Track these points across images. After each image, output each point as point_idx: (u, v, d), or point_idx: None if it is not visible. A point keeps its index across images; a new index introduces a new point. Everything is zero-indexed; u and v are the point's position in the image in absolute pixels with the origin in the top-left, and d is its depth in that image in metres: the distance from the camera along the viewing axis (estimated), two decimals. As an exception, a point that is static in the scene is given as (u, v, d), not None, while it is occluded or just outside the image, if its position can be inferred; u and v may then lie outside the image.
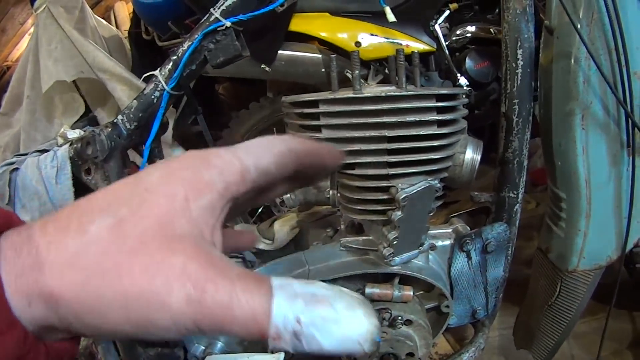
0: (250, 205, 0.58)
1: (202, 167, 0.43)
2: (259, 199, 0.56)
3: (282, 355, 1.15)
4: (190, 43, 1.14)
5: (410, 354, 1.13)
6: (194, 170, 0.42)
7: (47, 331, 0.39)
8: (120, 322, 0.38)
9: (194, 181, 0.42)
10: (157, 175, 0.42)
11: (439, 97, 0.97)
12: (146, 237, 0.38)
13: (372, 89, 0.96)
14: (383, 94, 0.92)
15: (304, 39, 2.25)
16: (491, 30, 2.34)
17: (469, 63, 2.25)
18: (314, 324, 0.39)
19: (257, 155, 0.46)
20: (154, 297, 0.37)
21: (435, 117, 0.96)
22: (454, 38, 2.31)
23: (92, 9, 3.04)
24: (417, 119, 0.94)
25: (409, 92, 0.93)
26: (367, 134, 0.94)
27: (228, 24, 1.11)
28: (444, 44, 2.24)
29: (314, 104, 0.96)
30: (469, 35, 2.32)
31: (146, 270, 0.37)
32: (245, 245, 0.63)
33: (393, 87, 0.98)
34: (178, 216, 0.40)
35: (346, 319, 0.39)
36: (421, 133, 0.95)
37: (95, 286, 0.37)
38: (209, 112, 2.76)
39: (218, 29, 1.12)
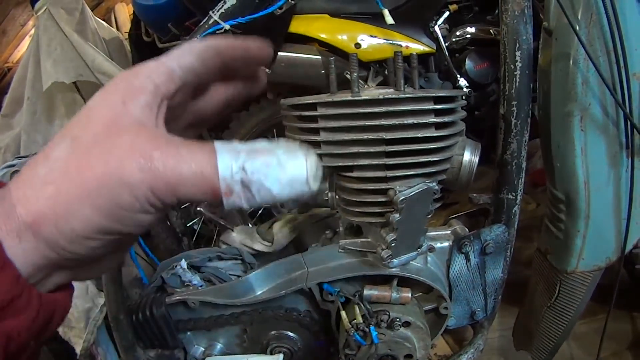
0: (192, 106, 0.61)
1: (132, 76, 0.48)
2: (200, 100, 0.61)
3: (280, 356, 1.16)
4: (189, 46, 1.14)
5: (409, 356, 1.13)
6: (126, 81, 0.48)
7: (39, 273, 0.43)
8: (93, 216, 0.42)
9: (127, 88, 0.47)
10: (97, 95, 0.47)
11: (437, 100, 0.97)
12: (98, 137, 0.43)
13: (370, 92, 0.96)
14: (381, 97, 0.92)
15: (303, 40, 2.25)
16: (491, 31, 2.33)
17: (468, 64, 2.24)
18: (259, 171, 0.42)
19: (179, 55, 0.52)
20: (112, 178, 0.41)
21: (433, 119, 0.96)
22: (453, 39, 2.30)
23: (92, 11, 3.04)
24: (415, 122, 0.94)
25: (407, 95, 0.93)
26: (365, 137, 0.94)
27: (227, 26, 1.11)
28: (444, 45, 2.24)
29: (312, 106, 0.96)
30: (468, 36, 2.31)
31: (101, 158, 0.42)
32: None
33: (391, 90, 0.98)
34: (120, 117, 0.44)
35: (288, 161, 0.43)
36: (419, 135, 0.95)
37: (63, 192, 0.41)
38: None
39: (217, 32, 1.12)
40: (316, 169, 0.43)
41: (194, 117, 0.61)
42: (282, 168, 0.43)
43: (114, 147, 0.42)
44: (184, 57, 0.52)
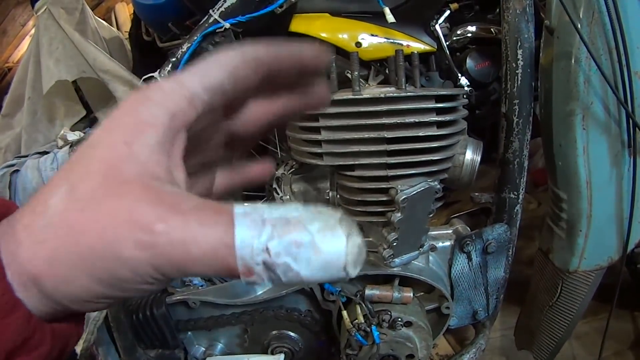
0: (221, 129, 0.50)
1: (140, 105, 0.39)
2: (233, 119, 0.49)
3: (281, 356, 1.15)
4: (189, 45, 1.14)
5: (411, 356, 1.13)
6: (134, 111, 0.39)
7: (47, 314, 0.39)
8: (91, 284, 0.37)
9: (134, 123, 0.39)
10: (99, 130, 0.40)
11: (439, 98, 0.97)
12: (95, 193, 0.36)
13: (371, 90, 0.96)
14: (382, 95, 0.92)
15: (304, 39, 2.25)
16: (492, 30, 2.32)
17: (469, 63, 2.23)
18: (287, 252, 0.34)
19: (204, 74, 0.42)
20: (108, 251, 0.36)
21: (434, 118, 0.95)
22: (454, 38, 2.29)
23: (92, 10, 3.04)
24: (417, 120, 0.93)
25: (408, 93, 0.93)
26: (366, 136, 0.94)
27: (227, 25, 1.10)
28: (445, 44, 2.23)
29: (313, 105, 0.96)
30: (469, 35, 2.30)
31: (97, 224, 0.35)
32: (259, 177, 0.55)
33: (392, 88, 0.98)
34: (123, 162, 0.37)
35: (324, 242, 0.34)
36: (420, 134, 0.94)
37: (60, 255, 0.36)
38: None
39: (217, 30, 1.12)
40: (358, 254, 0.34)
41: (228, 139, 0.51)
42: (316, 250, 0.34)
43: (110, 213, 0.36)
44: (210, 74, 0.42)
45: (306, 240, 0.34)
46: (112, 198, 0.36)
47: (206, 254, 0.35)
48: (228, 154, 0.53)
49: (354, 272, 0.34)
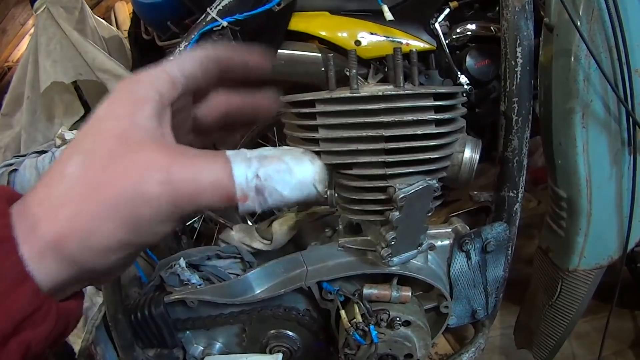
0: (190, 114, 0.61)
1: (135, 85, 0.49)
2: (199, 106, 0.61)
3: (280, 356, 1.15)
4: (187, 43, 1.14)
5: (409, 355, 1.12)
6: (130, 91, 0.48)
7: (58, 287, 0.43)
8: (115, 231, 0.43)
9: (132, 99, 0.47)
10: (103, 107, 0.48)
11: (437, 96, 0.96)
12: (113, 152, 0.44)
13: (369, 88, 0.95)
14: (380, 93, 0.91)
15: (303, 38, 2.25)
16: (491, 28, 2.33)
17: (469, 61, 2.24)
18: (271, 177, 0.46)
19: (180, 62, 0.53)
20: (132, 195, 0.42)
21: (433, 116, 0.94)
22: (454, 36, 2.30)
23: (92, 10, 3.04)
24: (415, 118, 0.93)
25: (406, 91, 0.92)
26: (364, 134, 0.93)
27: (225, 23, 1.10)
28: (444, 42, 2.24)
29: (311, 103, 0.95)
30: (469, 33, 2.31)
31: (120, 174, 0.43)
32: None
33: (390, 86, 0.97)
34: (130, 129, 0.45)
35: (296, 167, 0.48)
36: (419, 132, 0.94)
37: (84, 211, 0.42)
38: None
39: (215, 28, 1.11)
40: (322, 173, 0.48)
41: (195, 125, 0.62)
42: (291, 173, 0.47)
43: (131, 163, 0.44)
44: (185, 63, 0.53)
45: (283, 168, 0.48)
46: (130, 153, 0.44)
47: (212, 184, 0.45)
48: (195, 140, 0.63)
49: (321, 188, 0.49)
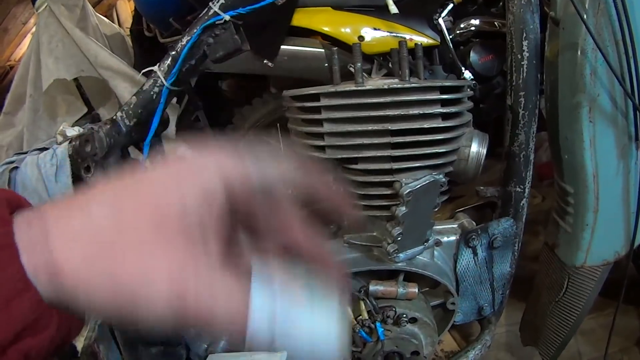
0: (253, 229, 0.51)
1: (203, 170, 0.43)
2: (261, 227, 0.50)
3: (284, 354, 1.14)
4: (189, 38, 1.13)
5: (416, 353, 1.11)
6: (193, 172, 0.43)
7: (51, 301, 0.41)
8: (108, 301, 0.40)
9: (192, 184, 0.42)
10: (161, 171, 0.44)
11: (443, 90, 0.95)
12: (142, 229, 0.40)
13: (375, 82, 0.94)
14: (386, 87, 0.91)
15: (306, 34, 2.24)
16: (496, 23, 2.31)
17: (473, 57, 2.22)
18: (288, 334, 0.41)
19: (265, 165, 0.46)
20: (139, 289, 0.39)
21: (439, 109, 0.94)
22: (458, 32, 2.28)
23: (94, 7, 3.04)
24: (421, 112, 0.92)
25: (413, 85, 0.91)
26: (370, 128, 0.93)
27: (227, 17, 1.09)
28: (448, 37, 2.22)
29: (315, 97, 0.95)
30: (473, 28, 2.29)
31: (136, 261, 0.40)
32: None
33: (396, 80, 0.96)
34: (173, 213, 0.41)
35: (320, 335, 0.42)
36: (425, 126, 0.93)
37: (91, 263, 0.39)
38: (212, 108, 2.75)
39: (217, 22, 1.10)
40: (342, 335, 0.42)
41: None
42: (312, 337, 0.42)
43: (152, 259, 0.40)
44: (270, 169, 0.46)
45: (306, 329, 0.42)
46: (157, 247, 0.40)
47: (224, 318, 0.41)
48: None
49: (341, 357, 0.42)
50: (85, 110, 2.76)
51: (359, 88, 0.91)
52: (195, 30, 1.12)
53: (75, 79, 2.65)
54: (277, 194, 0.46)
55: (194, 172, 0.44)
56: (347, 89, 0.92)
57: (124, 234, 0.40)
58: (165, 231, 0.41)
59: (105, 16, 3.56)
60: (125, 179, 0.44)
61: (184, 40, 1.14)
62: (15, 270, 0.38)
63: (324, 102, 0.94)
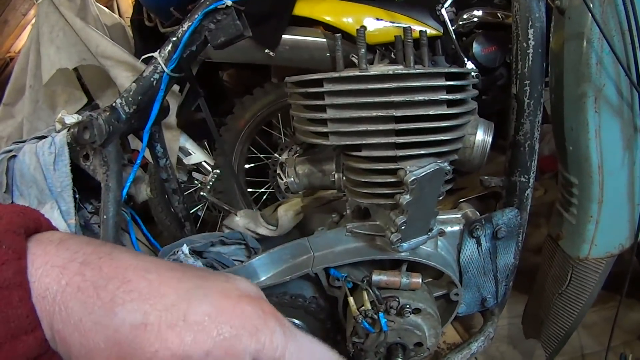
0: None
1: (245, 331, 0.43)
2: None
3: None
4: (190, 23, 1.11)
5: (419, 344, 1.10)
6: (236, 331, 0.42)
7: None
8: None
9: (228, 342, 0.42)
10: (207, 304, 0.43)
11: (449, 76, 0.94)
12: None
13: (379, 68, 0.93)
14: (390, 72, 0.89)
15: (308, 23, 2.23)
16: (498, 14, 2.31)
17: (476, 48, 2.22)
18: None
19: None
20: None
21: (445, 96, 0.92)
22: (460, 22, 2.28)
23: (94, -2, 3.02)
24: (426, 98, 0.91)
25: (418, 71, 0.90)
26: (374, 114, 0.91)
27: (229, 2, 1.07)
28: (451, 28, 2.21)
29: (319, 82, 0.93)
30: (475, 19, 2.29)
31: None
32: None
33: (400, 66, 0.95)
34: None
35: None
36: (430, 113, 0.92)
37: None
38: (213, 98, 2.74)
39: (219, 8, 1.09)
40: None
41: None
42: None
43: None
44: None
45: None
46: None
47: None
48: None
49: None
50: (85, 100, 2.76)
51: (364, 73, 0.90)
52: (196, 16, 1.11)
53: (76, 70, 2.64)
54: None
55: (230, 343, 0.42)
56: (351, 74, 0.91)
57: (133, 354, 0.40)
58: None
59: (106, 6, 3.54)
60: (171, 287, 0.44)
61: (185, 26, 1.12)
62: (25, 310, 0.39)
63: (327, 87, 0.92)
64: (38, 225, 0.44)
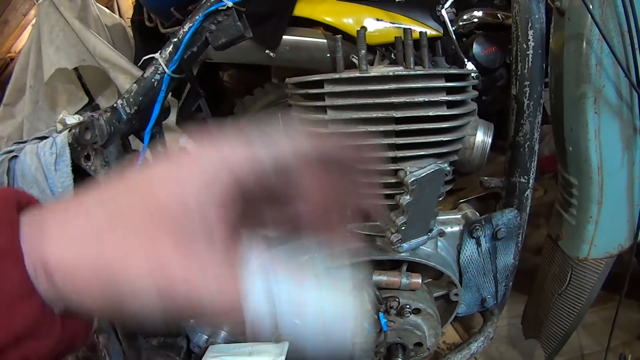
0: (269, 212, 0.52)
1: (205, 158, 0.43)
2: (279, 209, 0.51)
3: (286, 344, 1.13)
4: (191, 24, 1.12)
5: (419, 344, 1.11)
6: (196, 162, 0.43)
7: (54, 307, 0.42)
8: (97, 295, 0.40)
9: (193, 174, 0.42)
10: (160, 166, 0.44)
11: (449, 77, 0.94)
12: (134, 222, 0.40)
13: (379, 69, 0.93)
14: (391, 73, 0.90)
15: (309, 24, 2.23)
16: (498, 15, 2.31)
17: (476, 48, 2.22)
18: (294, 317, 0.38)
19: (274, 143, 0.46)
20: (127, 284, 0.39)
21: (444, 97, 0.93)
22: (460, 23, 2.28)
23: (95, -2, 3.03)
24: (426, 100, 0.91)
25: (418, 72, 0.90)
26: (374, 115, 0.92)
27: (230, 4, 1.08)
28: (451, 29, 2.21)
29: (319, 84, 0.94)
30: (476, 20, 2.28)
31: (120, 252, 0.39)
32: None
33: (401, 67, 0.96)
34: (169, 204, 0.41)
35: (331, 314, 0.37)
36: (430, 114, 0.92)
37: (80, 258, 0.40)
38: (213, 99, 2.74)
39: (219, 9, 1.09)
40: (363, 330, 0.39)
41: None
42: (325, 335, 0.38)
43: (141, 250, 0.40)
44: (278, 149, 0.46)
45: (318, 327, 0.38)
46: (149, 238, 0.40)
47: (218, 305, 0.40)
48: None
49: (359, 346, 0.38)
50: (86, 100, 2.76)
51: (364, 74, 0.90)
52: (197, 17, 1.11)
53: (76, 70, 2.64)
54: (293, 168, 0.46)
55: (194, 164, 0.43)
56: (352, 75, 0.91)
57: (114, 229, 0.40)
58: (157, 222, 0.40)
59: (106, 7, 3.55)
60: (125, 176, 0.44)
61: (186, 27, 1.13)
62: (18, 275, 0.38)
63: (327, 88, 0.93)
64: (30, 202, 0.43)
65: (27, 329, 0.38)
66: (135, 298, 0.39)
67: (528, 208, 1.23)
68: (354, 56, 1.86)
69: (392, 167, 0.96)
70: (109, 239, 0.40)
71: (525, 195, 1.20)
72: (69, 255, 0.40)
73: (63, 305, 0.41)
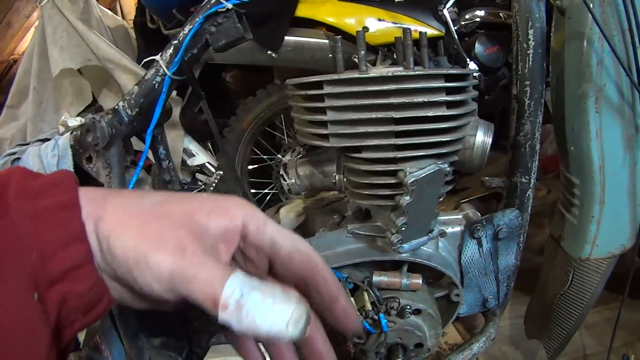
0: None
1: (233, 207, 0.52)
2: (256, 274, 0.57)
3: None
4: (191, 26, 1.12)
5: (419, 345, 1.11)
6: (226, 208, 0.52)
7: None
8: (123, 259, 0.47)
9: (221, 216, 0.51)
10: (203, 197, 0.55)
11: (448, 78, 0.94)
12: (169, 219, 0.50)
13: (379, 70, 0.93)
14: (390, 74, 0.90)
15: (311, 24, 2.24)
16: (500, 14, 2.31)
17: (478, 48, 2.22)
18: (253, 302, 0.45)
19: (278, 227, 0.54)
20: (144, 256, 0.47)
21: (444, 97, 0.93)
22: (462, 23, 2.28)
23: (97, 0, 3.03)
24: (426, 100, 0.91)
25: (417, 72, 0.90)
26: (374, 116, 0.92)
27: (229, 5, 1.08)
28: (453, 28, 2.22)
29: (319, 85, 0.94)
30: (478, 20, 2.29)
31: (154, 236, 0.48)
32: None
33: (400, 68, 0.96)
34: (196, 219, 0.50)
35: (280, 303, 0.45)
36: (430, 114, 0.92)
37: (124, 224, 0.48)
38: (216, 100, 2.75)
39: (219, 11, 1.09)
40: (299, 318, 0.46)
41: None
42: (273, 305, 0.45)
43: (163, 235, 0.48)
44: (285, 238, 0.53)
45: (269, 299, 0.45)
46: (171, 229, 0.49)
47: (208, 279, 0.46)
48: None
49: (293, 332, 0.46)
50: (90, 100, 2.76)
51: (363, 75, 0.90)
52: (197, 19, 1.11)
53: (79, 71, 2.65)
54: (281, 253, 0.53)
55: (225, 208, 0.52)
56: (351, 76, 0.91)
57: (154, 217, 0.50)
58: (183, 225, 0.49)
59: (109, 8, 3.56)
60: (176, 194, 0.54)
61: (186, 29, 1.13)
62: (77, 223, 0.47)
63: (327, 89, 0.93)
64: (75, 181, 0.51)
65: (74, 267, 0.45)
66: (152, 271, 0.47)
67: (529, 208, 1.22)
68: (355, 56, 1.87)
69: (392, 167, 0.96)
70: (151, 222, 0.49)
71: (527, 195, 1.20)
72: (117, 217, 0.48)
73: (100, 253, 0.49)
